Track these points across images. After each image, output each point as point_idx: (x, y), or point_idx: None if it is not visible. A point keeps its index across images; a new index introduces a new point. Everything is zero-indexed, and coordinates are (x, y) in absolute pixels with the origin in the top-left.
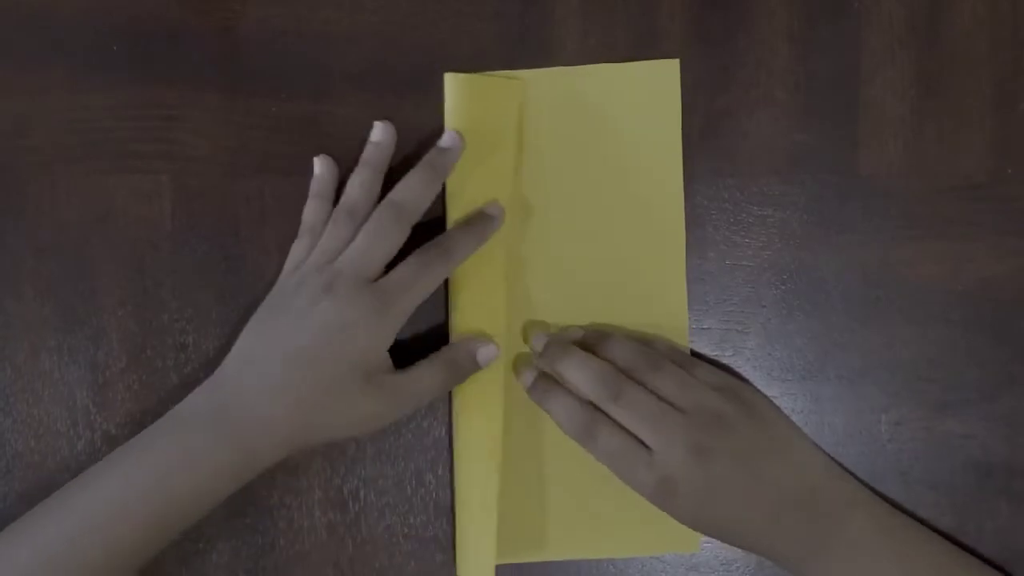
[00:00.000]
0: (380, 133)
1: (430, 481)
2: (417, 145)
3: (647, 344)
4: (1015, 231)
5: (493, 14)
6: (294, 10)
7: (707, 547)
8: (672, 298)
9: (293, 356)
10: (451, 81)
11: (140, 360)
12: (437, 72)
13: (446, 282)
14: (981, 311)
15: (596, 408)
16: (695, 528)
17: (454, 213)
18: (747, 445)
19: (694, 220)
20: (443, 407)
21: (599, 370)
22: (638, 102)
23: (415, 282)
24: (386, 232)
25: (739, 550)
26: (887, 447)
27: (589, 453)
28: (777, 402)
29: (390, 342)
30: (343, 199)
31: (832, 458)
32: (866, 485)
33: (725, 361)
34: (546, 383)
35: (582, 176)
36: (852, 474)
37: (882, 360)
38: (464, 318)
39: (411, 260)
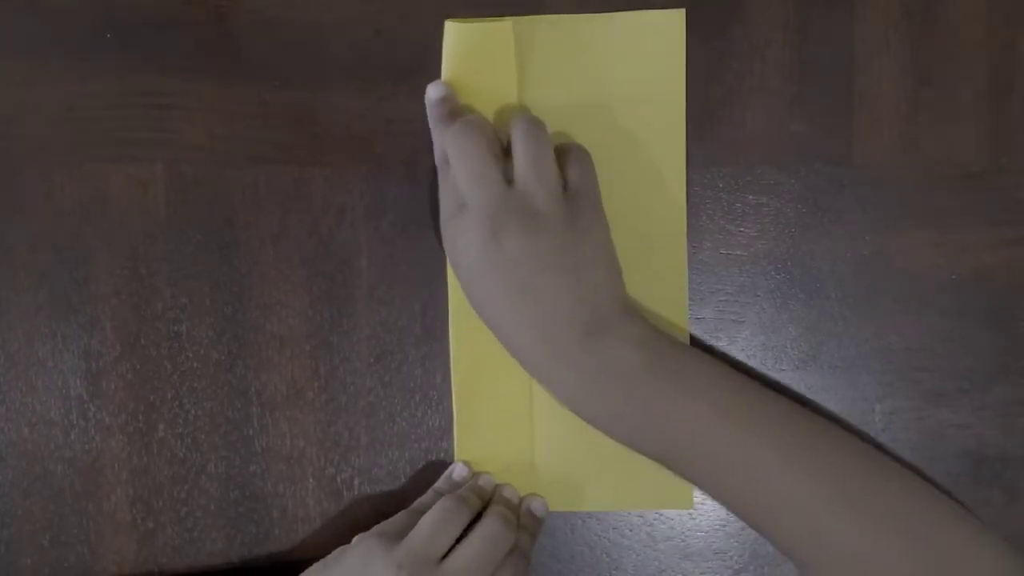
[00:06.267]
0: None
1: (425, 470)
2: (411, 133)
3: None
4: (1010, 220)
5: (490, 4)
6: None
7: (700, 536)
8: (673, 254)
9: None
10: (449, 31)
11: (134, 349)
12: (432, 60)
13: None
14: (975, 300)
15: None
16: (475, 307)
17: None
18: (543, 248)
19: (689, 209)
20: (436, 395)
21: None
22: (641, 52)
23: (480, 561)
24: (451, 519)
25: (733, 542)
26: (881, 436)
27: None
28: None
29: None
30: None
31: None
32: None
33: (720, 350)
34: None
35: (581, 129)
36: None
37: (876, 349)
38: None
39: (474, 537)
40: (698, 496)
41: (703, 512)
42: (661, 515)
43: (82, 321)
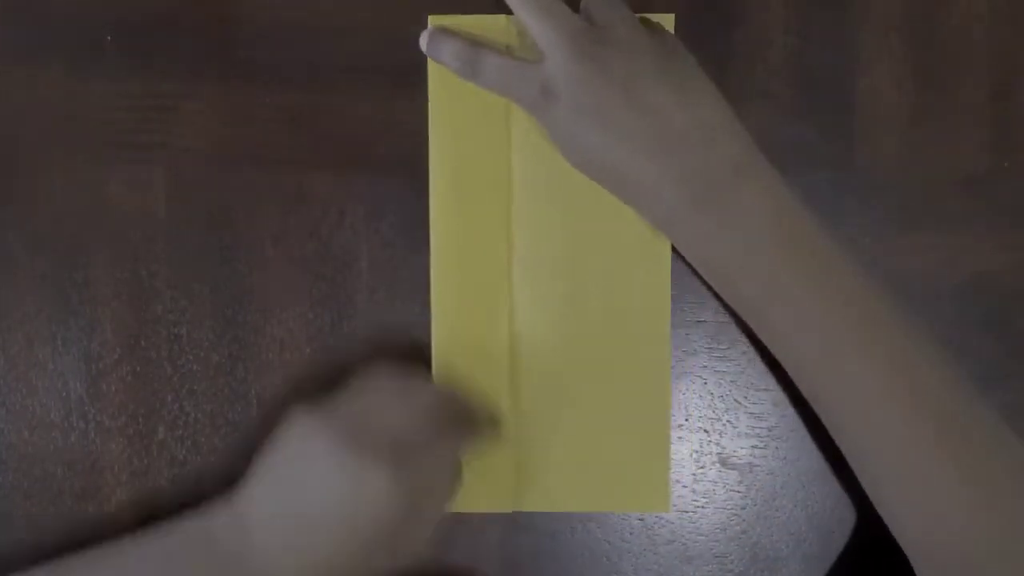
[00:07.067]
0: None
1: None
2: (411, 136)
3: None
4: (1011, 225)
5: (485, 6)
6: (289, 1)
7: (701, 540)
8: (657, 261)
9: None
10: (435, 24)
11: (134, 351)
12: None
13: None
14: (976, 305)
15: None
16: (572, 158)
17: (441, 162)
18: (644, 68)
19: None
20: None
21: None
22: None
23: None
24: None
25: (733, 546)
26: None
27: (478, 86)
28: (773, 395)
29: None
30: None
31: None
32: None
33: (719, 353)
34: (437, 35)
35: None
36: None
37: None
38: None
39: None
40: (699, 499)
41: (704, 516)
42: (661, 518)
43: (82, 323)
